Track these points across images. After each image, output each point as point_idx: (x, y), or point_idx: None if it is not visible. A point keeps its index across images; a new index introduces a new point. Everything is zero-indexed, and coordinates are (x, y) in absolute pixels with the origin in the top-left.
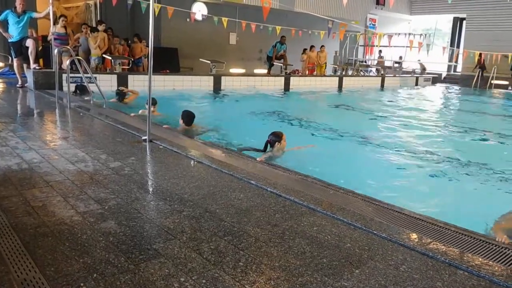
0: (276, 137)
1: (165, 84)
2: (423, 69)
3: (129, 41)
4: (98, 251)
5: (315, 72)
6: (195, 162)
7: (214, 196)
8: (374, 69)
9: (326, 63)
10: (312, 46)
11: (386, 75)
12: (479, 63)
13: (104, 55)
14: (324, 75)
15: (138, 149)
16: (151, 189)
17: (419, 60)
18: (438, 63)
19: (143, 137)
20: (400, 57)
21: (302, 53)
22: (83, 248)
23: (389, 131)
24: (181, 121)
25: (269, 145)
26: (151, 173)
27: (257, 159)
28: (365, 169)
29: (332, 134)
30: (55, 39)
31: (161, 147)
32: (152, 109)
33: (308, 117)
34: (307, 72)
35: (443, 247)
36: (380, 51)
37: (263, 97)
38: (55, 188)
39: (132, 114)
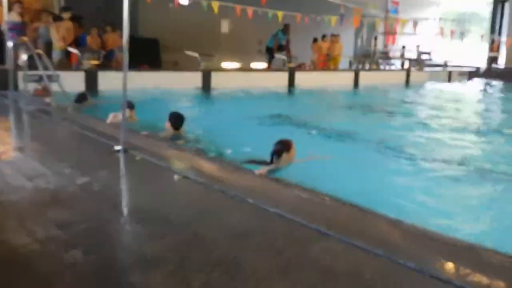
0: (283, 146)
1: (143, 82)
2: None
3: (101, 31)
4: (62, 286)
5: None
6: (180, 176)
7: (204, 217)
8: (397, 61)
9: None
10: (327, 35)
11: (413, 69)
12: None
13: (69, 48)
14: (337, 70)
15: (111, 161)
16: (126, 210)
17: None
18: (472, 55)
19: (117, 147)
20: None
21: (313, 43)
22: (43, 282)
23: (417, 138)
24: (168, 124)
25: (275, 155)
26: (126, 190)
27: (256, 172)
28: (389, 184)
29: (347, 142)
30: (9, 29)
31: (138, 158)
32: (128, 113)
33: (318, 120)
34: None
35: (486, 279)
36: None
37: (263, 97)
38: (8, 210)
39: (109, 121)
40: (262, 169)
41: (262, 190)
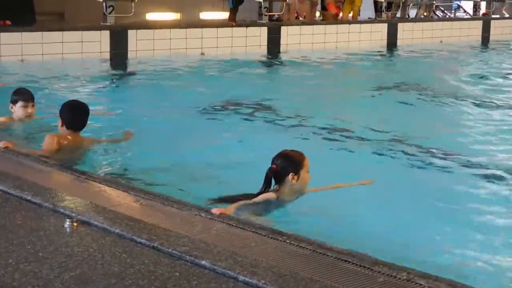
0: (288, 162)
1: (3, 51)
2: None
3: None
4: None
5: (341, 15)
6: (73, 223)
7: None
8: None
9: None
10: None
11: (493, 17)
12: None
13: None
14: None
15: None
16: None
17: None
18: None
19: None
20: None
21: None
22: None
23: (501, 145)
24: (61, 123)
25: (273, 178)
26: None
27: (213, 211)
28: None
29: (395, 152)
30: None
31: None
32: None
33: (329, 114)
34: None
35: None
36: None
37: (223, 72)
38: None
39: None
40: (228, 207)
41: (226, 244)
